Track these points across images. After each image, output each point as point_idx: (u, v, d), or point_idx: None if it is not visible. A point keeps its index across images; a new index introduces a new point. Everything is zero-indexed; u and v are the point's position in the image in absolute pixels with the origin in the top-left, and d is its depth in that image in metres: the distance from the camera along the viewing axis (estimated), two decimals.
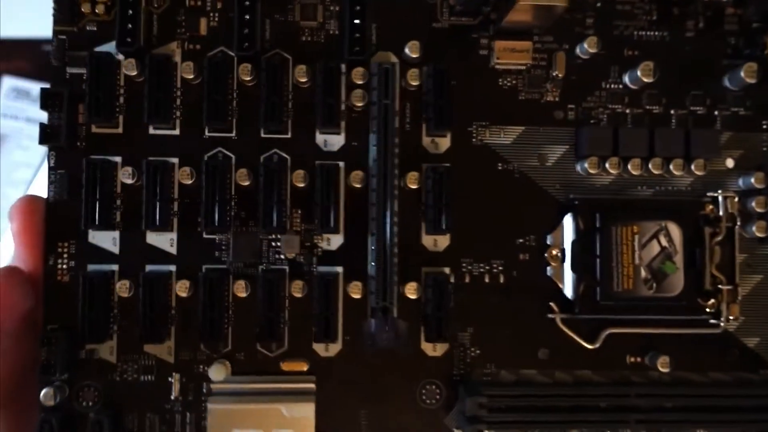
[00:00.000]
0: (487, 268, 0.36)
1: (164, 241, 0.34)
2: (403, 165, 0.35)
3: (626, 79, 0.36)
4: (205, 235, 0.34)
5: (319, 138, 0.35)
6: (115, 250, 0.34)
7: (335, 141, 0.35)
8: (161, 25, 0.35)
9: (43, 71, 0.74)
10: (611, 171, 0.35)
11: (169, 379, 0.34)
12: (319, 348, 0.35)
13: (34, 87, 0.75)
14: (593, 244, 0.35)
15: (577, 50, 0.36)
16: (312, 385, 0.34)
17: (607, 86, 0.37)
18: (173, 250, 0.34)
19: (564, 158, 0.36)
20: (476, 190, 0.36)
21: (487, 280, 0.36)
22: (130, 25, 0.33)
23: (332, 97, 0.34)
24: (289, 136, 0.35)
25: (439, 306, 0.34)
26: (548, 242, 0.36)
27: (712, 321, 0.36)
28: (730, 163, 0.37)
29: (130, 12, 0.33)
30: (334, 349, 0.35)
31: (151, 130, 0.34)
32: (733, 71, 0.36)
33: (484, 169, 0.36)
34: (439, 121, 0.34)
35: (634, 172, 0.35)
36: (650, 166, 0.35)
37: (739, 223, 0.36)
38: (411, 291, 0.34)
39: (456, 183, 0.35)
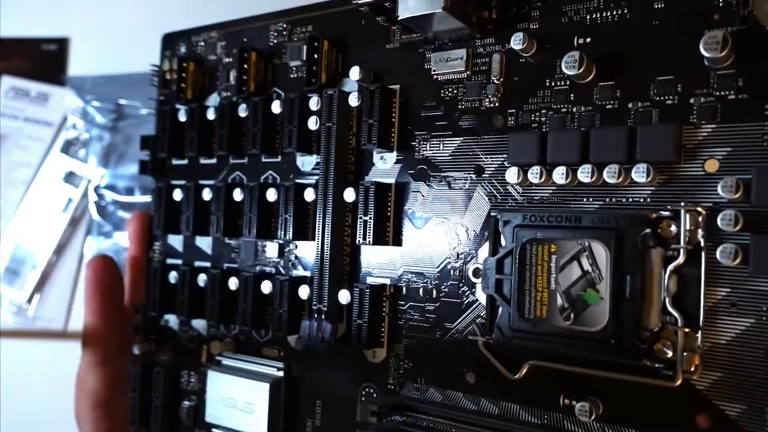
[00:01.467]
0: (423, 282, 0.35)
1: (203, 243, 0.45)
2: (355, 180, 0.38)
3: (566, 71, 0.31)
4: (226, 240, 0.44)
5: (299, 160, 0.41)
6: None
7: (310, 161, 0.40)
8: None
9: (42, 71, 0.70)
10: (533, 182, 0.31)
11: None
12: (291, 339, 0.40)
13: (34, 86, 0.73)
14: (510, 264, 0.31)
15: (515, 46, 0.32)
16: (277, 372, 0.40)
17: (552, 84, 0.32)
18: (208, 250, 0.45)
19: (501, 169, 0.33)
20: (417, 204, 0.36)
21: (421, 293, 0.35)
22: None
23: (294, 124, 0.39)
24: (278, 159, 0.42)
25: (371, 314, 0.36)
26: (478, 261, 0.33)
27: (664, 371, 0.28)
28: (711, 166, 0.28)
29: None
30: (301, 342, 0.40)
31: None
32: None
33: (425, 184, 0.36)
34: (376, 138, 0.36)
35: (558, 182, 0.30)
36: (579, 175, 0.30)
37: (705, 245, 0.27)
38: (343, 298, 0.37)
39: (399, 198, 0.36)
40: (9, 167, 0.75)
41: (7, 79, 0.75)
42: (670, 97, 0.29)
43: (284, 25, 0.42)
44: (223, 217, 0.42)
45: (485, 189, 0.33)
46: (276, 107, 0.40)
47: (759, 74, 0.27)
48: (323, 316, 0.37)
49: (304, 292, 0.39)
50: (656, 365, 0.28)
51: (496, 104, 0.34)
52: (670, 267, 0.28)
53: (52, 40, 0.65)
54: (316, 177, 0.39)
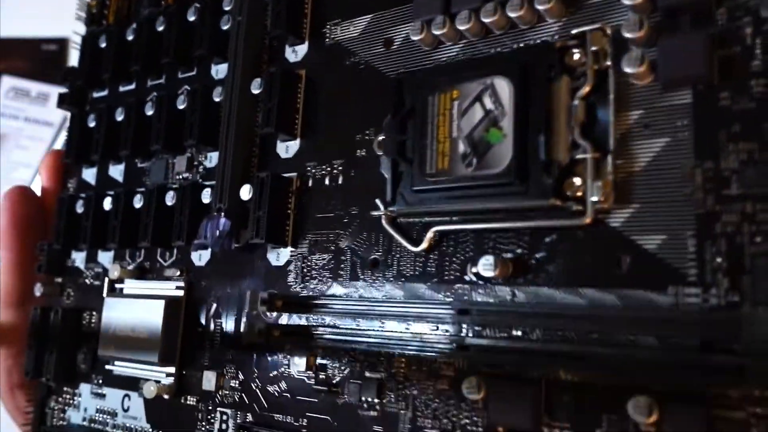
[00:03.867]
0: (328, 170, 0.32)
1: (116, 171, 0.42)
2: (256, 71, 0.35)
3: None
4: (139, 165, 0.41)
5: (213, 69, 0.39)
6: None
7: (223, 68, 0.38)
8: None
9: (42, 71, 0.71)
10: (438, 33, 0.28)
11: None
12: (194, 257, 0.36)
13: (34, 87, 0.74)
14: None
15: None
16: (176, 291, 0.36)
17: None
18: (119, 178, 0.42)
19: (411, 40, 0.31)
20: (327, 91, 0.33)
21: (327, 182, 0.32)
22: None
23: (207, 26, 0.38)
24: (194, 72, 0.40)
25: (277, 210, 0.33)
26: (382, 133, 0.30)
27: (575, 208, 0.24)
28: None
29: None
30: (206, 257, 0.36)
31: None
32: None
33: (334, 69, 0.33)
34: (285, 29, 0.34)
35: (462, 28, 0.28)
36: (482, 16, 0.27)
37: (611, 64, 0.24)
38: (244, 193, 0.33)
39: (310, 88, 0.34)
40: (9, 167, 0.76)
41: (7, 79, 0.76)
42: None
43: None
44: (132, 137, 0.40)
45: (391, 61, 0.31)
46: (191, 15, 0.39)
47: None
48: (222, 213, 0.34)
49: (206, 195, 0.35)
50: (567, 204, 0.24)
51: None
52: (578, 94, 0.25)
53: (52, 40, 0.65)
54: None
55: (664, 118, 0.24)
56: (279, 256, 0.33)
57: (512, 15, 0.27)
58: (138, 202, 0.38)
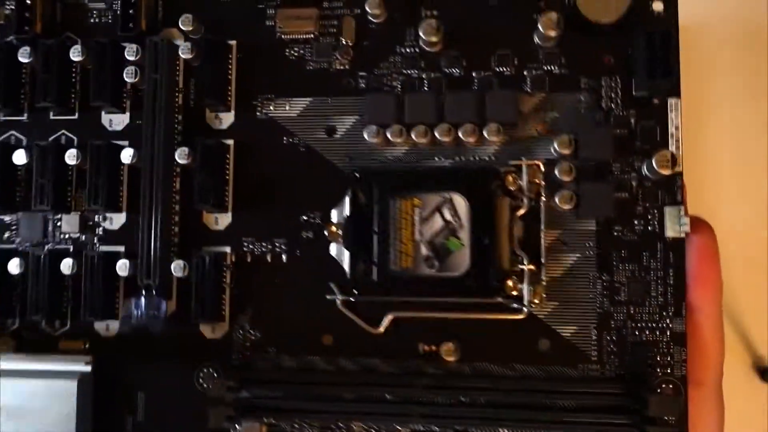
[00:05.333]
0: (269, 247, 0.34)
1: None
2: (185, 140, 0.34)
3: (420, 42, 0.33)
4: None
5: (105, 118, 0.35)
6: None
7: (119, 120, 0.35)
8: None
9: None
10: (393, 140, 0.32)
11: None
12: (100, 328, 0.34)
13: None
14: (371, 220, 0.32)
15: (367, 14, 0.34)
16: (84, 366, 0.34)
17: (403, 51, 0.34)
18: None
19: (354, 129, 0.34)
20: (261, 166, 0.34)
21: (269, 259, 0.34)
22: None
23: (107, 75, 0.34)
24: (75, 117, 0.35)
25: (213, 285, 0.33)
26: (332, 219, 0.33)
27: (513, 305, 0.31)
28: (540, 127, 0.33)
29: None
30: (115, 329, 0.34)
31: None
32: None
33: (269, 144, 0.34)
34: (210, 94, 0.33)
35: (418, 140, 0.32)
36: (437, 133, 0.32)
37: (543, 195, 0.32)
38: (177, 270, 0.33)
39: (240, 159, 0.34)
40: None
41: None
42: (508, 69, 0.33)
43: None
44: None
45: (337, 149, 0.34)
46: (76, 54, 0.34)
47: (577, 53, 0.33)
48: (154, 292, 0.32)
49: (123, 268, 0.33)
50: (508, 301, 0.31)
51: (347, 66, 0.34)
52: (517, 214, 0.32)
53: None
54: (127, 139, 0.34)
55: (577, 239, 0.32)
56: (214, 330, 0.34)
57: (464, 139, 0.32)
58: (15, 268, 0.34)
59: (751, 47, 0.59)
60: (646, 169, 0.31)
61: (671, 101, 0.32)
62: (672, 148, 0.32)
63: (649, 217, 0.32)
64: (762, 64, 0.59)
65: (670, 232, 0.31)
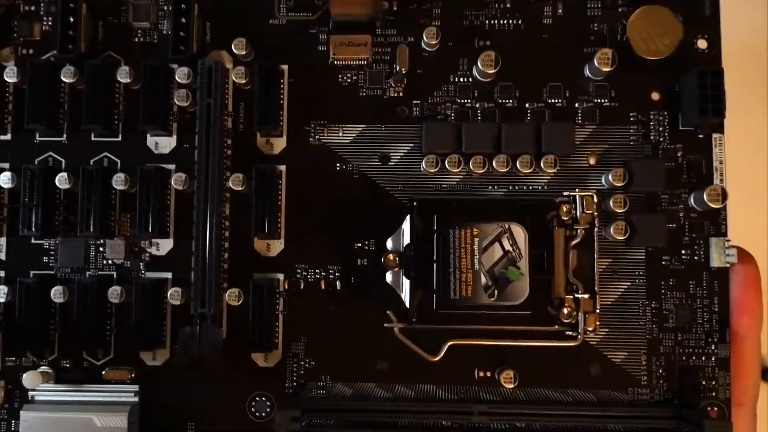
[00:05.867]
0: (323, 273, 0.34)
1: None
2: (237, 167, 0.33)
3: (475, 71, 0.34)
4: (33, 241, 0.34)
5: (150, 140, 0.34)
6: None
7: (166, 143, 0.34)
8: None
9: None
10: (451, 170, 0.33)
11: None
12: (146, 356, 0.33)
13: None
14: (430, 249, 0.32)
15: (422, 42, 0.34)
16: (132, 397, 0.33)
17: (456, 80, 0.34)
18: (2, 255, 0.34)
19: (408, 157, 0.34)
20: (314, 192, 0.34)
21: (322, 286, 0.34)
22: None
23: (156, 97, 0.33)
24: (119, 138, 0.34)
25: (264, 313, 0.33)
26: (388, 246, 0.33)
27: (568, 333, 0.32)
28: (592, 159, 0.34)
29: None
30: (162, 357, 0.33)
31: None
32: (593, 59, 0.33)
33: (322, 170, 0.34)
34: (264, 119, 0.33)
35: (476, 171, 0.33)
36: (494, 164, 0.33)
37: (597, 225, 0.33)
38: (232, 298, 0.32)
39: (291, 185, 0.34)
40: None
41: None
42: (560, 101, 0.34)
43: None
44: (41, 211, 0.33)
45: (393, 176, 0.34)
46: (124, 76, 0.33)
47: (626, 86, 0.34)
48: (209, 321, 0.32)
49: (175, 296, 0.32)
50: (564, 329, 0.32)
51: (400, 94, 0.34)
52: (571, 244, 0.33)
53: None
54: (174, 163, 0.34)
55: (627, 267, 0.33)
56: (267, 358, 0.33)
57: (523, 170, 0.32)
58: (59, 296, 0.32)
59: None
60: (693, 201, 0.33)
61: (716, 136, 0.33)
62: (716, 181, 0.33)
63: (695, 247, 0.33)
64: None
65: (716, 262, 0.33)
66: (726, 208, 0.33)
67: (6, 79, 0.33)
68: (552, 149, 0.33)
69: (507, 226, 0.32)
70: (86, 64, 0.33)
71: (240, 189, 0.33)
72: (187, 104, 0.33)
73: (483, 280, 0.32)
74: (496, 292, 0.32)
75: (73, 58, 0.33)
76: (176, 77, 0.33)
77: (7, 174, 0.33)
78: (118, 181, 0.33)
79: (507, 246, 0.32)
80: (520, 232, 0.32)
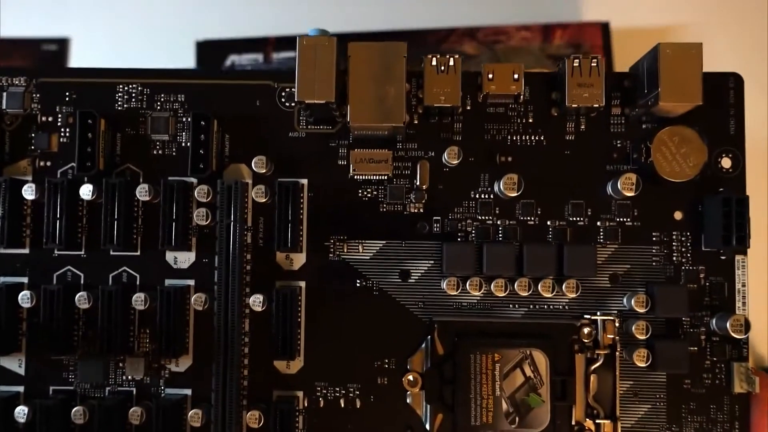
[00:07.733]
0: (342, 392, 0.34)
1: (13, 362, 0.34)
2: (257, 283, 0.33)
3: (496, 188, 0.34)
4: (53, 356, 0.34)
5: (169, 255, 0.34)
6: None
7: (185, 258, 0.34)
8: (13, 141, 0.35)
9: None
10: (472, 292, 0.33)
11: None
12: None
13: None
14: (451, 372, 0.32)
15: (443, 159, 0.34)
16: None
17: (477, 196, 0.34)
18: (21, 371, 0.34)
19: (429, 274, 0.34)
20: (333, 309, 0.34)
21: (342, 404, 0.34)
22: None
23: (175, 214, 0.33)
24: (138, 253, 0.34)
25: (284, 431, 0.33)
26: (408, 366, 0.33)
27: None
28: (613, 279, 0.33)
29: None
30: None
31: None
32: (616, 178, 0.33)
33: (341, 287, 0.34)
34: (284, 242, 0.33)
35: (497, 294, 0.33)
36: (516, 287, 0.32)
37: (619, 349, 0.32)
38: (252, 420, 0.32)
39: (310, 302, 0.34)
40: None
41: None
42: (582, 219, 0.34)
43: (139, 88, 0.35)
44: (60, 329, 0.33)
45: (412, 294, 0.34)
46: (143, 194, 0.33)
47: (649, 206, 0.33)
48: None
49: (196, 418, 0.32)
50: None
51: (421, 210, 0.34)
52: (592, 368, 0.32)
53: (52, 41, 0.61)
54: (193, 278, 0.34)
55: (648, 390, 0.33)
56: None
57: (544, 294, 0.32)
58: (80, 418, 0.32)
59: None
60: (715, 325, 0.33)
61: (738, 258, 0.33)
62: (738, 304, 0.33)
63: (716, 371, 0.33)
64: None
65: (738, 388, 0.32)
66: (749, 338, 0.33)
67: (24, 196, 0.33)
68: (574, 272, 0.32)
69: (528, 352, 0.32)
70: (105, 183, 0.33)
71: (259, 310, 0.33)
72: (207, 223, 0.33)
73: (504, 406, 0.32)
74: (517, 418, 0.32)
75: (94, 176, 0.33)
76: (196, 196, 0.33)
77: (26, 293, 0.33)
78: (138, 302, 0.33)
79: (528, 372, 0.32)
80: (541, 359, 0.32)
